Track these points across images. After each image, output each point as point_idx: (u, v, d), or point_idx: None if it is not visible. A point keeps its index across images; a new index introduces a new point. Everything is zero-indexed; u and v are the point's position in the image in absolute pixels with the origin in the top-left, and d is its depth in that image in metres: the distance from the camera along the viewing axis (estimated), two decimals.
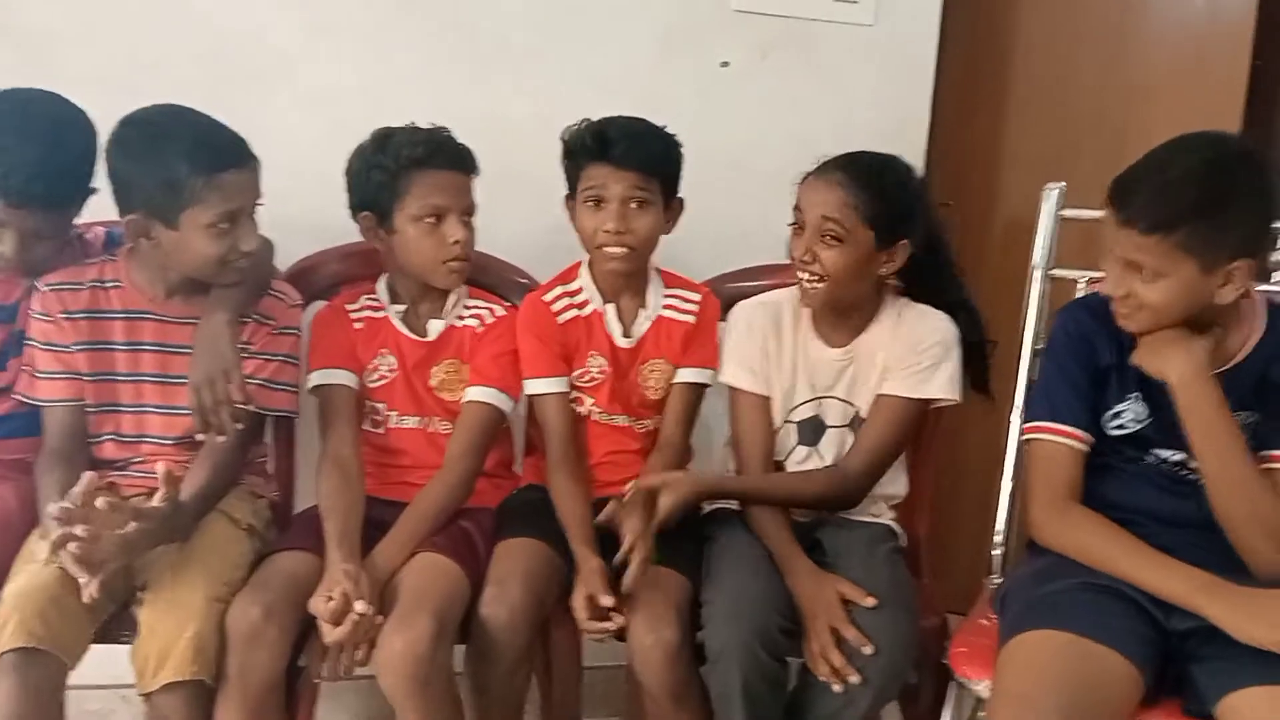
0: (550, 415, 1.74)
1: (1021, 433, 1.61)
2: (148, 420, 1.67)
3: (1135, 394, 1.50)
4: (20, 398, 1.64)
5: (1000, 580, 1.66)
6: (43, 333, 1.63)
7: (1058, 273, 1.79)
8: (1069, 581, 1.41)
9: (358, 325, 1.77)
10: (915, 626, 1.54)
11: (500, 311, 1.80)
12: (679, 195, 1.77)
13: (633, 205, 1.69)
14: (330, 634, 1.45)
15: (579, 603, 1.52)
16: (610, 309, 1.78)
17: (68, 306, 1.62)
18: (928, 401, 1.68)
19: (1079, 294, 1.73)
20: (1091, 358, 1.52)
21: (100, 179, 1.60)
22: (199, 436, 1.58)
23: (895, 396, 1.68)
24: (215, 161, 1.52)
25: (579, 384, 1.79)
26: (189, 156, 1.51)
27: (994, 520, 1.74)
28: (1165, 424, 1.46)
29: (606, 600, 1.50)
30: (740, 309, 1.78)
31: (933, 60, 2.21)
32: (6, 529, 1.53)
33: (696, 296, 1.81)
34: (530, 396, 1.77)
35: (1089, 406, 1.51)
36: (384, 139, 1.71)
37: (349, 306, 1.79)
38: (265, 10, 1.97)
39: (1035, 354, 1.75)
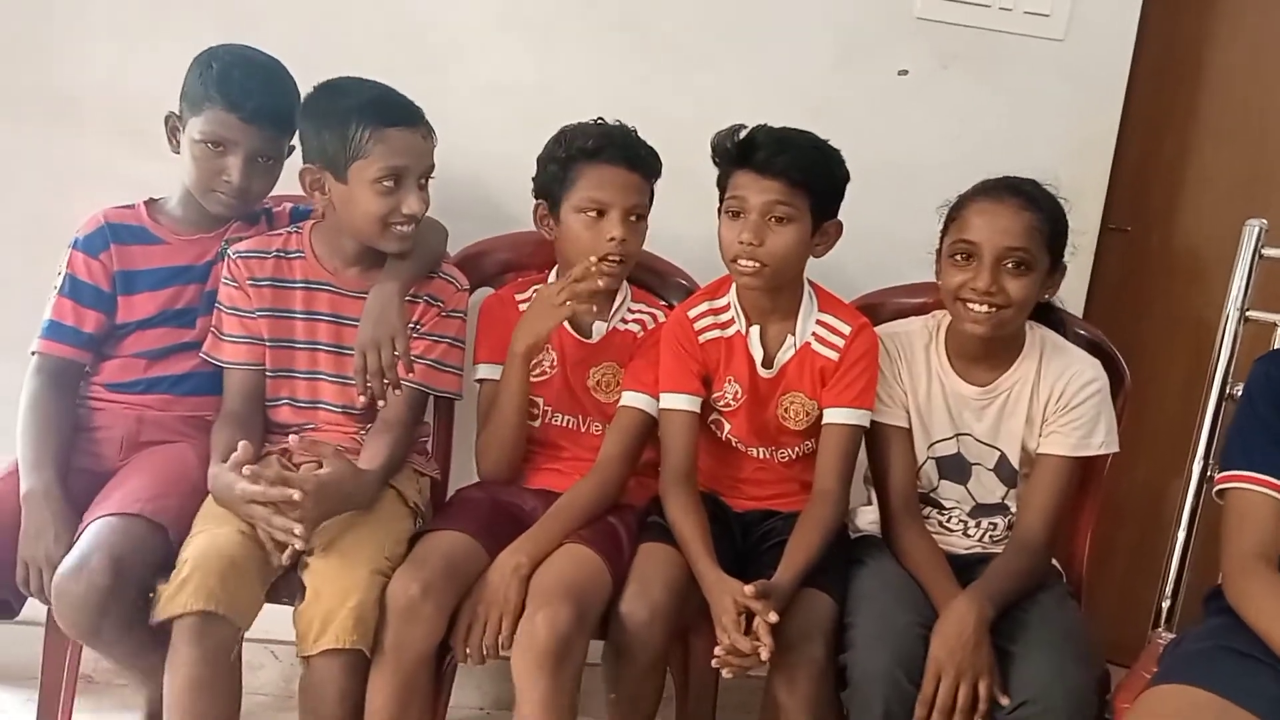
0: (672, 431, 1.68)
1: (1214, 482, 1.53)
2: (321, 387, 1.73)
3: None
4: (205, 357, 1.72)
5: (1172, 635, 1.58)
6: (229, 297, 1.71)
7: (1254, 314, 1.69)
8: (1217, 642, 1.34)
9: None
10: (1091, 677, 1.46)
11: (662, 318, 1.80)
12: (837, 218, 1.67)
13: (772, 219, 1.60)
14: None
15: (729, 619, 1.45)
16: (754, 332, 1.70)
17: (254, 274, 1.70)
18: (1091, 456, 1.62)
19: (1277, 339, 1.63)
20: None
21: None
22: (360, 399, 1.63)
23: (1060, 457, 1.62)
24: (383, 116, 1.59)
25: (717, 407, 1.74)
26: (359, 110, 1.59)
27: (1165, 570, 1.66)
28: None
29: (772, 617, 1.43)
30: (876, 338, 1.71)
31: (1124, 79, 2.10)
32: (187, 485, 1.60)
33: (847, 329, 1.68)
34: (660, 410, 1.71)
35: None
36: (567, 130, 1.73)
37: (518, 296, 1.81)
38: (452, 4, 2.02)
39: (1223, 399, 1.66)
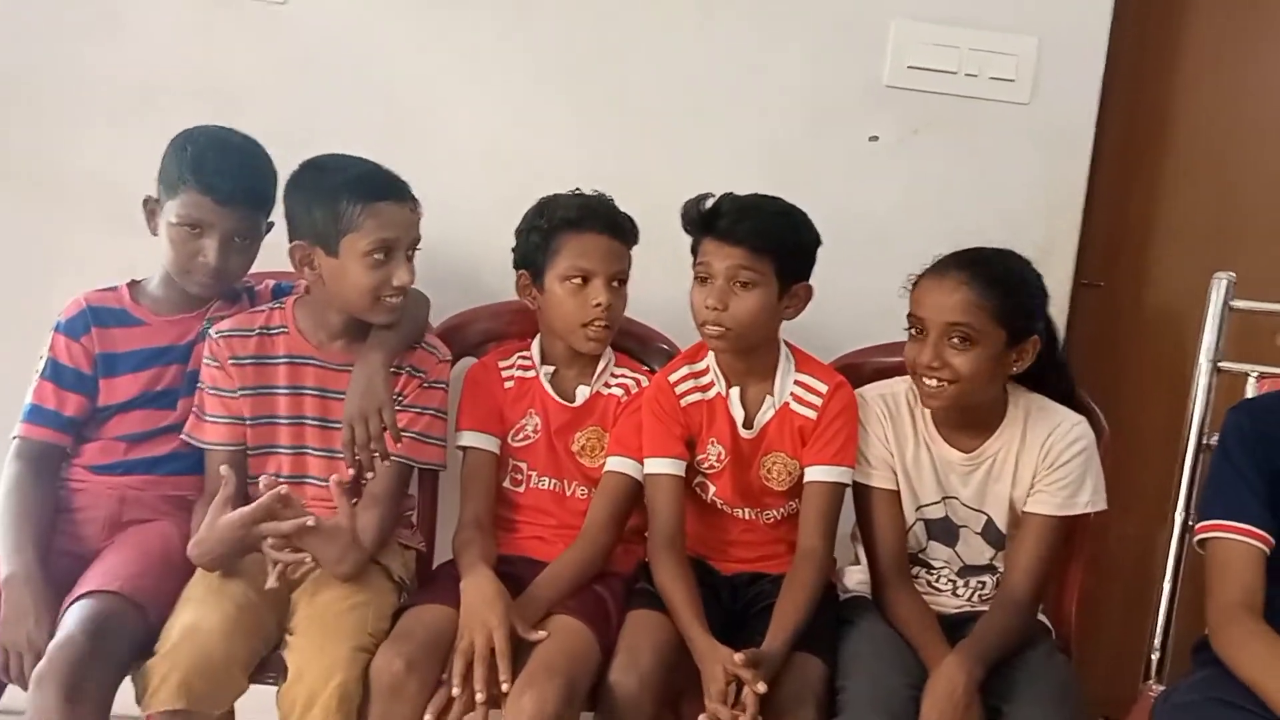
0: (659, 496, 1.69)
1: (1194, 533, 1.54)
2: (307, 462, 1.73)
3: None
4: (186, 438, 1.72)
5: (1162, 688, 1.57)
6: (211, 378, 1.71)
7: (1226, 365, 1.71)
8: (1206, 694, 1.34)
9: (508, 384, 1.81)
10: None
11: (645, 382, 1.81)
12: (806, 281, 1.69)
13: (736, 284, 1.62)
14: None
15: (717, 688, 1.45)
16: (734, 394, 1.72)
17: (236, 352, 1.70)
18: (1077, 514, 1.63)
19: (1249, 389, 1.65)
20: (1269, 459, 1.45)
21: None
22: (349, 472, 1.63)
23: (1045, 516, 1.62)
24: (373, 191, 1.62)
25: (701, 469, 1.75)
26: (349, 185, 1.62)
27: (1152, 622, 1.65)
28: None
29: (761, 687, 1.43)
30: (862, 399, 1.72)
31: (1090, 140, 2.15)
32: (168, 563, 1.59)
33: (824, 388, 1.71)
34: (645, 475, 1.72)
35: (1267, 508, 1.44)
36: (547, 201, 1.76)
37: (502, 364, 1.83)
38: (432, 80, 2.06)
39: (1200, 450, 1.67)
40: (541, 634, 1.53)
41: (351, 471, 1.63)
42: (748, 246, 1.62)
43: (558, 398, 1.80)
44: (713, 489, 1.75)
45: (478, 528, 1.70)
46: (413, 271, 1.66)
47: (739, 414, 1.73)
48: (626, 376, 1.82)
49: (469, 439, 1.78)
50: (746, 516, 1.76)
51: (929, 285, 1.60)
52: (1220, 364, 1.72)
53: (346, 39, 2.05)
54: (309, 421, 1.72)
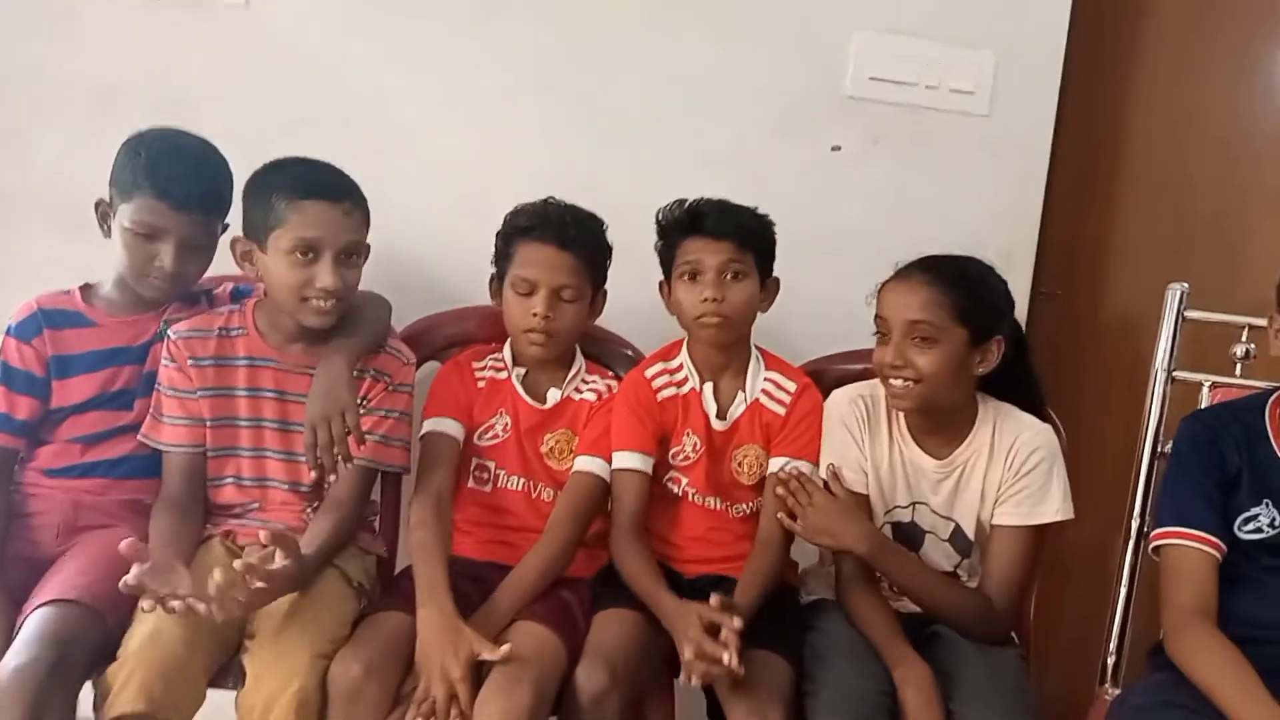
0: (625, 491, 1.72)
1: (1149, 540, 1.56)
2: (268, 465, 1.71)
3: (1267, 500, 1.45)
4: (143, 439, 1.69)
5: (1118, 691, 1.59)
6: (169, 379, 1.68)
7: (1180, 375, 1.74)
8: (1160, 697, 1.37)
9: (480, 384, 1.80)
10: None
11: (616, 389, 1.81)
12: (774, 275, 1.78)
13: (728, 276, 1.70)
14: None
15: (695, 631, 1.46)
16: (708, 388, 1.78)
17: (195, 353, 1.68)
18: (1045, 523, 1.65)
19: (1203, 398, 1.69)
20: (1220, 466, 1.49)
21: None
22: (311, 477, 1.61)
23: (1012, 527, 1.64)
24: (301, 189, 1.61)
25: (674, 463, 1.77)
26: (282, 183, 1.62)
27: (1108, 627, 1.68)
28: None
29: (737, 623, 1.45)
30: (835, 401, 1.75)
31: (1047, 151, 2.19)
32: (126, 570, 1.55)
33: (793, 387, 1.77)
34: (612, 470, 1.74)
35: (1220, 514, 1.48)
36: (520, 207, 1.77)
37: (475, 364, 1.83)
38: (394, 84, 2.05)
39: (1155, 458, 1.70)
40: (504, 650, 1.49)
41: (314, 474, 1.60)
42: (735, 240, 1.71)
43: (529, 399, 1.79)
44: (685, 480, 1.78)
45: (436, 517, 1.65)
46: (345, 277, 1.62)
47: (712, 407, 1.76)
48: (598, 383, 1.82)
49: (432, 425, 1.76)
50: (716, 507, 1.78)
51: (892, 287, 1.64)
52: (1175, 373, 1.75)
53: (308, 43, 2.04)
54: (268, 424, 1.70)
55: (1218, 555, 1.47)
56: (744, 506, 1.78)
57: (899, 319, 1.60)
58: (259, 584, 1.42)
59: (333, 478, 1.61)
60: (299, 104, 2.03)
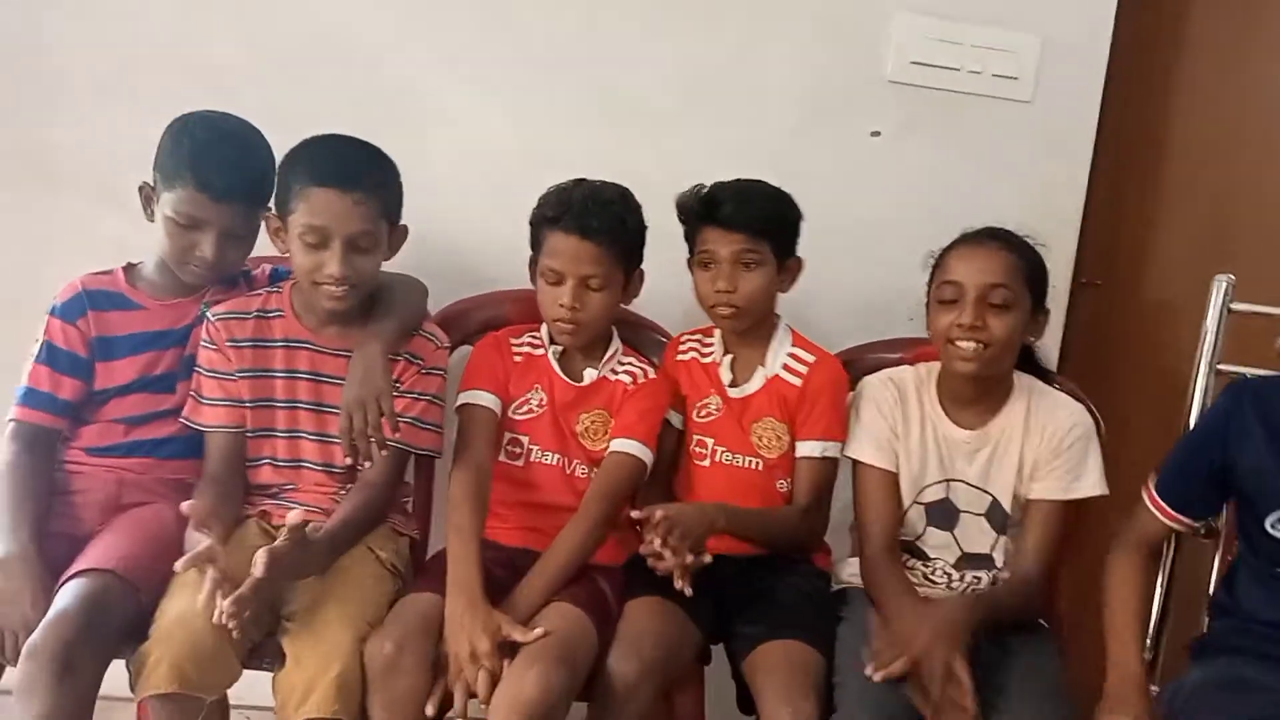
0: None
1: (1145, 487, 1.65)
2: (302, 446, 1.72)
3: None
4: (185, 422, 1.71)
5: (1160, 687, 1.58)
6: (209, 360, 1.70)
7: (1224, 367, 1.72)
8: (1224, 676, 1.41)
9: (517, 359, 1.81)
10: None
11: (652, 373, 1.82)
12: (797, 255, 1.79)
13: (742, 266, 1.72)
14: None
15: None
16: (727, 360, 1.81)
17: (234, 335, 1.70)
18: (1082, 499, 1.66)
19: None
20: (1222, 454, 1.53)
21: None
22: (345, 460, 1.62)
23: (1050, 501, 1.66)
24: (313, 175, 1.60)
25: (698, 419, 1.80)
26: (300, 165, 1.62)
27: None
28: None
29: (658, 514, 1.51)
30: (867, 383, 1.77)
31: (1091, 139, 2.16)
32: (163, 544, 1.58)
33: (810, 359, 1.79)
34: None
35: (1199, 496, 1.59)
36: (551, 190, 1.75)
37: (513, 340, 1.83)
38: (428, 67, 2.05)
39: None
40: (538, 633, 1.50)
41: (349, 459, 1.62)
42: (749, 231, 1.72)
43: (565, 376, 1.80)
44: (711, 441, 1.80)
45: (476, 493, 1.66)
46: (352, 264, 1.60)
47: (727, 376, 1.81)
48: (634, 366, 1.82)
49: (469, 396, 1.77)
50: (747, 465, 1.79)
51: (965, 252, 1.65)
52: (1219, 366, 1.73)
53: (339, 17, 2.02)
54: (303, 406, 1.71)
55: (1177, 528, 1.61)
56: (778, 481, 1.79)
57: (976, 282, 1.61)
58: (259, 564, 1.42)
59: (367, 463, 1.62)
60: (328, 86, 2.01)
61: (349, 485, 1.71)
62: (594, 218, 1.70)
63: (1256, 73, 2.29)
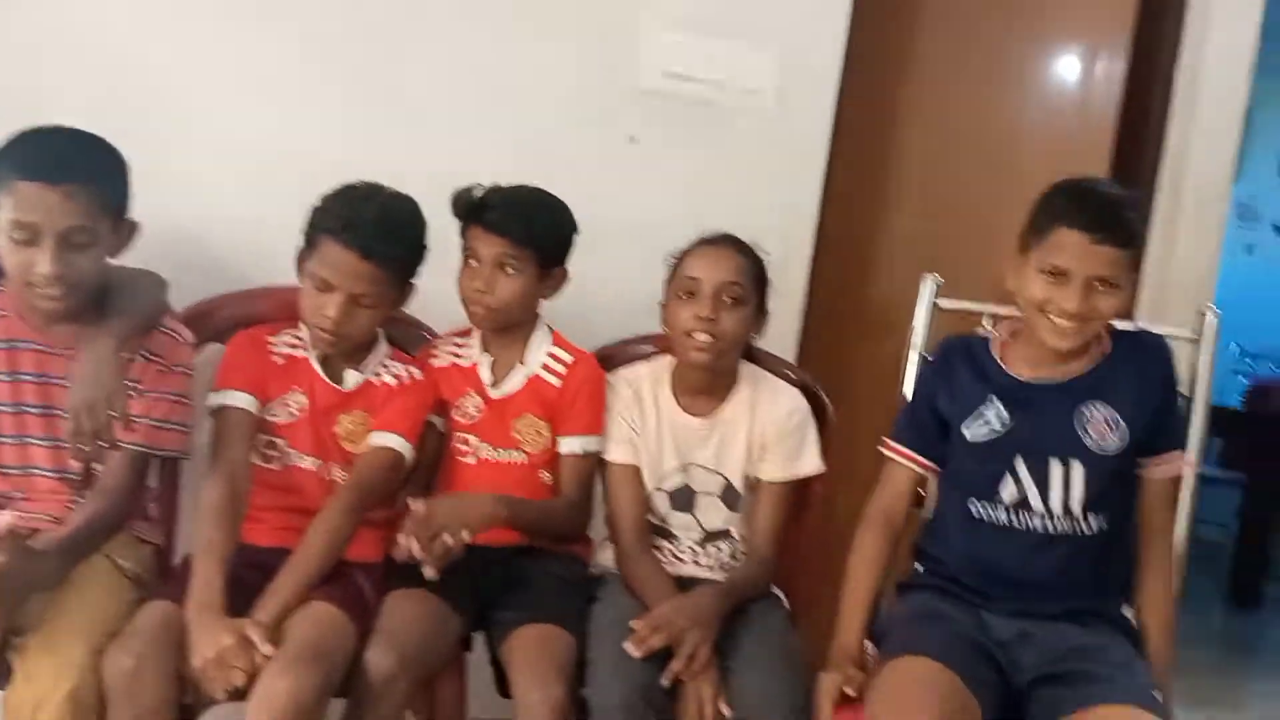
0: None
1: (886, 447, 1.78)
2: (32, 452, 1.62)
3: (991, 396, 1.66)
4: None
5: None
6: None
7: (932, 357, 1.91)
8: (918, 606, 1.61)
9: (276, 359, 1.76)
10: (806, 694, 1.58)
11: (419, 375, 1.82)
12: (564, 265, 1.84)
13: (500, 269, 1.76)
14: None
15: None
16: (486, 360, 1.84)
17: None
18: (804, 478, 1.83)
19: None
20: (936, 391, 1.71)
21: None
22: (73, 463, 1.54)
23: (776, 482, 1.82)
24: (18, 169, 1.50)
25: (459, 420, 1.82)
26: (9, 157, 1.52)
27: None
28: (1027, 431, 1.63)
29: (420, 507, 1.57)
30: (608, 383, 1.86)
31: (825, 150, 2.33)
32: None
33: (569, 359, 1.85)
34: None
35: (933, 437, 1.71)
36: (333, 193, 1.72)
37: (270, 338, 1.78)
38: (185, 61, 1.98)
39: None
40: (268, 649, 1.47)
41: (77, 463, 1.54)
42: (511, 237, 1.76)
43: (327, 379, 1.77)
44: (474, 438, 1.83)
45: (229, 503, 1.62)
46: (66, 262, 1.51)
47: (487, 376, 1.84)
48: (399, 369, 1.81)
49: (223, 398, 1.71)
50: (502, 459, 1.83)
51: (704, 252, 1.78)
52: (927, 356, 1.92)
53: (92, 10, 1.93)
54: (30, 409, 1.62)
55: (920, 472, 1.72)
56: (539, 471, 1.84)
57: (713, 279, 1.74)
58: None
59: (99, 466, 1.54)
60: (81, 79, 1.91)
61: (87, 492, 1.62)
62: (381, 241, 1.66)
63: (967, 93, 2.57)
